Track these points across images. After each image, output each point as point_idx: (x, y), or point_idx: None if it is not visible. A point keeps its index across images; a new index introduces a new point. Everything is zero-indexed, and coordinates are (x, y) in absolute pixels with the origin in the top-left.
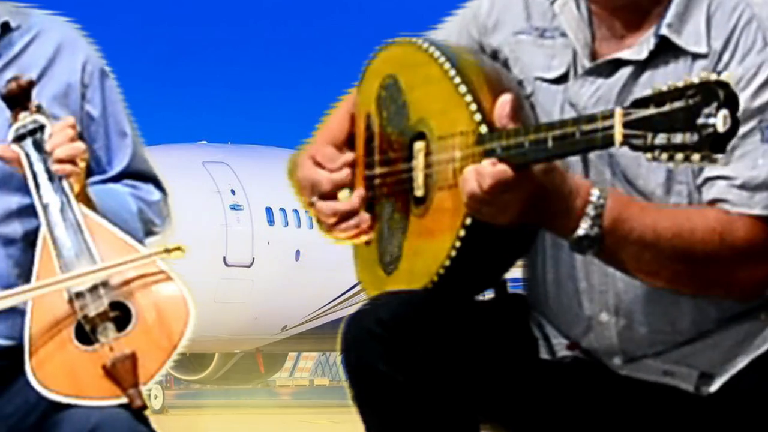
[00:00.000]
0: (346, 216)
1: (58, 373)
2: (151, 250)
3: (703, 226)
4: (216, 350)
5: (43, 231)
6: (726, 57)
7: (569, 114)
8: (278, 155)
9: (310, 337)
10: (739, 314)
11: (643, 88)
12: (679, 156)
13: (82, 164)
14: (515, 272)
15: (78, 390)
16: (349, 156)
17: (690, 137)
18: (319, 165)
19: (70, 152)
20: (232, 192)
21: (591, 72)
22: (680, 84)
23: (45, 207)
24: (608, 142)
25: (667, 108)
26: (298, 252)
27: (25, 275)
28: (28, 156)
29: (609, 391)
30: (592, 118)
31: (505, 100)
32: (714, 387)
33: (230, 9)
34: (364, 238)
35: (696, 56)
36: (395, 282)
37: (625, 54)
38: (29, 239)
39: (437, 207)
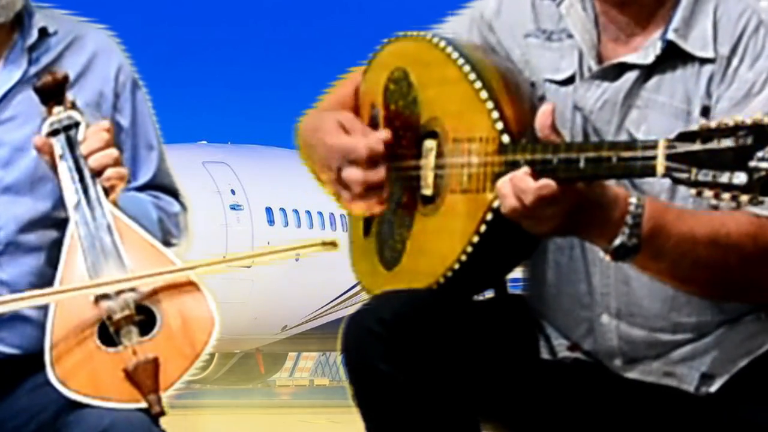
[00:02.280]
0: (374, 186)
1: (79, 372)
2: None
3: (737, 230)
4: (216, 350)
5: (71, 229)
6: (735, 62)
7: (578, 117)
8: (278, 155)
9: (310, 337)
10: (739, 315)
11: (650, 93)
12: (726, 195)
13: (122, 170)
14: (515, 272)
15: (97, 390)
16: (385, 134)
17: (739, 178)
18: (348, 133)
19: (102, 161)
20: (232, 192)
21: (597, 76)
22: (730, 122)
23: (75, 205)
24: (649, 172)
25: (713, 145)
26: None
27: (40, 285)
28: (60, 152)
29: (610, 393)
30: (631, 145)
31: (547, 110)
32: (714, 387)
33: (230, 9)
34: (378, 209)
35: (703, 61)
36: (397, 279)
37: (631, 58)
38: (49, 249)
39: (448, 209)
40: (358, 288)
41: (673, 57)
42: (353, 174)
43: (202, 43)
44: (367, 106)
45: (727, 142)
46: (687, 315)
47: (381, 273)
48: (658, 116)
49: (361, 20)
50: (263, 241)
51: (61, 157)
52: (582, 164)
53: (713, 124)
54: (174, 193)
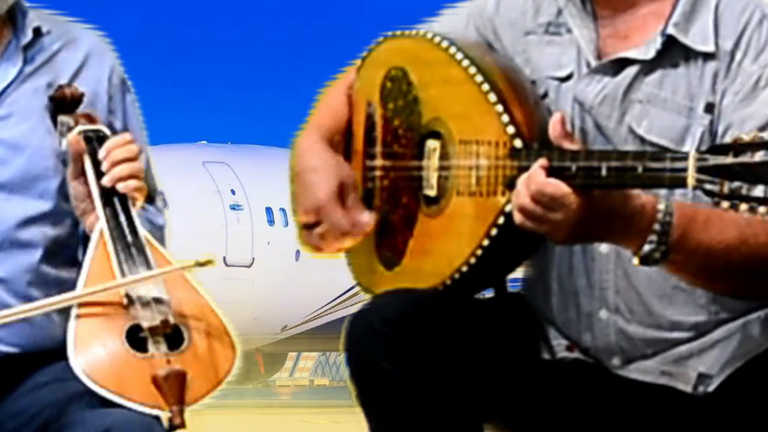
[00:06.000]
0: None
1: (106, 370)
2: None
3: (764, 228)
4: None
5: (101, 228)
6: (738, 56)
7: (578, 112)
8: (278, 155)
9: (310, 337)
10: (738, 314)
11: (652, 88)
12: (762, 209)
13: (143, 184)
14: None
15: (122, 389)
16: (372, 218)
17: None
18: (342, 202)
19: (127, 172)
20: (232, 192)
21: (597, 70)
22: (765, 137)
23: (104, 208)
24: (678, 183)
25: (746, 159)
26: (298, 252)
27: (37, 282)
28: (92, 157)
29: (608, 392)
30: (658, 156)
31: (557, 120)
32: (712, 387)
33: (230, 9)
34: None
35: (706, 56)
36: (398, 278)
37: (631, 53)
38: (46, 247)
39: (455, 211)
40: (358, 288)
41: (674, 53)
42: (328, 233)
43: (202, 43)
44: (363, 103)
45: (761, 156)
46: (685, 314)
47: (380, 271)
48: (660, 112)
49: (361, 20)
50: (263, 241)
51: (92, 161)
52: (604, 172)
53: (747, 138)
54: (157, 196)
